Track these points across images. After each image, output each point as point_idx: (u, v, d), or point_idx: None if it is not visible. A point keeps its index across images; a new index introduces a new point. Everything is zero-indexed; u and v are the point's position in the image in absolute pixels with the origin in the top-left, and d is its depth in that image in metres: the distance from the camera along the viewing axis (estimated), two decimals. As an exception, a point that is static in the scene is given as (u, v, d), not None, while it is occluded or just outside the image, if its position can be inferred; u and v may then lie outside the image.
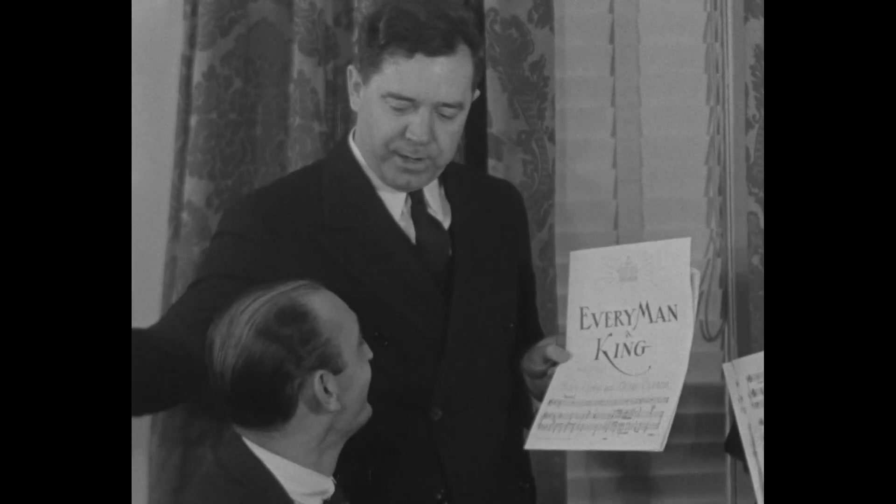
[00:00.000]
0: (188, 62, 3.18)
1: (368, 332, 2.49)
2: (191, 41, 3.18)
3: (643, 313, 2.67)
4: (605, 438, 2.59)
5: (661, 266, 2.66)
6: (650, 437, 2.54)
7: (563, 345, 2.71)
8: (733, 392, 2.66)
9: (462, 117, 2.66)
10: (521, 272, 2.84)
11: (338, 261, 2.60)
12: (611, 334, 2.68)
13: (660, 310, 2.66)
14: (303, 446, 2.41)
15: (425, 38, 2.55)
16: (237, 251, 2.61)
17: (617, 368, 2.66)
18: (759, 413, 2.61)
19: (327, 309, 2.41)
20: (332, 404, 2.39)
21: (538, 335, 2.88)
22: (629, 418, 2.59)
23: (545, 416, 2.67)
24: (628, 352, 2.67)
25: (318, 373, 2.38)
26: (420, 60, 2.56)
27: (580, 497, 3.31)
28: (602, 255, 2.73)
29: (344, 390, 2.41)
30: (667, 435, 2.54)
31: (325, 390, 2.39)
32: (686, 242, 2.66)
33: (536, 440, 2.65)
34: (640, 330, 2.66)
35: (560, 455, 3.18)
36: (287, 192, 2.70)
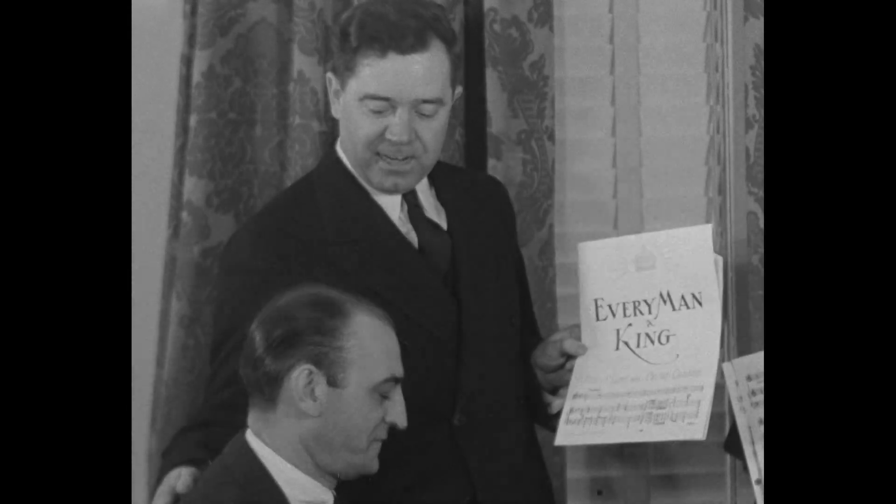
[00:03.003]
0: (188, 62, 3.18)
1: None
2: (190, 41, 3.18)
3: (664, 302, 2.66)
4: (641, 430, 2.58)
5: (682, 254, 2.65)
6: (690, 425, 2.54)
7: (577, 337, 2.71)
8: (733, 392, 2.66)
9: (444, 114, 2.64)
10: (517, 266, 2.83)
11: (349, 274, 2.58)
12: (630, 324, 2.68)
13: (682, 297, 2.65)
14: (290, 445, 2.38)
15: (396, 36, 2.55)
16: (251, 293, 2.56)
17: (641, 358, 2.65)
18: (759, 413, 2.61)
19: (364, 329, 2.39)
20: (308, 405, 2.36)
21: (535, 327, 2.88)
22: (664, 408, 2.58)
23: (572, 410, 2.66)
24: (651, 341, 2.66)
25: (308, 367, 2.36)
26: (393, 59, 2.56)
27: (580, 497, 3.31)
28: (614, 246, 2.72)
29: (332, 408, 2.37)
30: (707, 423, 2.54)
31: (312, 392, 2.36)
32: (707, 229, 2.66)
33: (567, 436, 2.65)
34: (662, 319, 2.66)
35: (560, 454, 3.18)
36: (284, 212, 2.68)
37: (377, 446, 2.42)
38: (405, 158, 2.61)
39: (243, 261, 2.63)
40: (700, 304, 2.64)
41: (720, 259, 2.66)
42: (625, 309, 2.69)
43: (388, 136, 2.58)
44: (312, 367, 2.36)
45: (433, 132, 2.61)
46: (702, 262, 2.64)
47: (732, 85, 3.29)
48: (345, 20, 2.62)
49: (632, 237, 2.75)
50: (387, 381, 2.40)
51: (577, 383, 2.68)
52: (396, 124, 2.58)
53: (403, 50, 2.56)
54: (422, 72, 2.57)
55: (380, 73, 2.56)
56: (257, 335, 2.39)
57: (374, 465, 2.43)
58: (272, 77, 3.22)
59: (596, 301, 2.71)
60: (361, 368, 2.38)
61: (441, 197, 2.72)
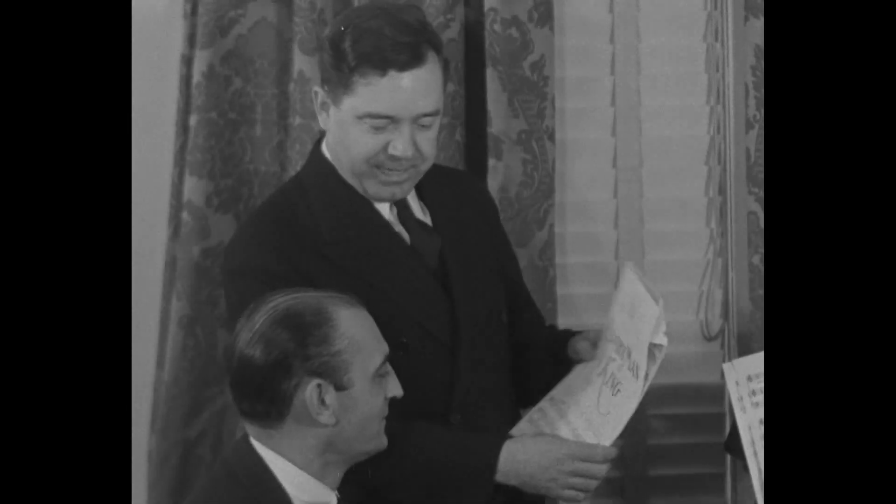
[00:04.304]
0: (188, 62, 3.18)
1: (394, 341, 2.47)
2: (191, 41, 3.18)
3: (628, 356, 2.61)
4: None
5: (641, 327, 2.58)
6: None
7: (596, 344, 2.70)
8: (733, 392, 2.66)
9: (438, 120, 2.63)
10: (504, 260, 2.83)
11: (350, 272, 2.58)
12: (613, 359, 2.65)
13: (634, 362, 2.58)
14: (301, 453, 2.38)
15: (394, 54, 2.52)
16: (261, 295, 2.52)
17: (597, 395, 2.63)
18: (759, 413, 2.61)
19: (351, 324, 2.39)
20: (325, 417, 2.37)
21: (540, 318, 2.89)
22: None
23: (538, 410, 2.66)
24: (612, 386, 2.63)
25: (317, 381, 2.36)
26: (393, 77, 2.53)
27: (579, 497, 3.30)
28: (637, 284, 2.63)
29: (345, 410, 2.38)
30: None
31: (323, 402, 2.37)
32: (655, 309, 2.54)
33: (518, 433, 2.65)
34: (624, 371, 2.61)
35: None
36: (279, 213, 2.65)
37: (384, 423, 2.45)
38: (404, 170, 2.61)
39: (248, 263, 2.62)
40: (636, 378, 2.57)
41: (664, 346, 2.56)
42: (619, 343, 2.66)
43: (391, 151, 2.56)
44: (320, 381, 2.36)
45: (430, 141, 2.61)
46: (644, 341, 2.56)
47: (732, 85, 3.29)
48: (336, 35, 2.57)
49: (641, 287, 2.63)
50: (382, 363, 2.42)
51: (560, 389, 2.69)
52: (401, 141, 2.56)
53: (402, 67, 2.53)
54: (421, 87, 2.55)
55: (380, 92, 2.53)
56: (250, 362, 2.37)
57: (384, 442, 2.45)
58: (272, 77, 3.22)
59: (613, 322, 2.69)
60: (360, 363, 2.39)
61: (423, 197, 2.72)
